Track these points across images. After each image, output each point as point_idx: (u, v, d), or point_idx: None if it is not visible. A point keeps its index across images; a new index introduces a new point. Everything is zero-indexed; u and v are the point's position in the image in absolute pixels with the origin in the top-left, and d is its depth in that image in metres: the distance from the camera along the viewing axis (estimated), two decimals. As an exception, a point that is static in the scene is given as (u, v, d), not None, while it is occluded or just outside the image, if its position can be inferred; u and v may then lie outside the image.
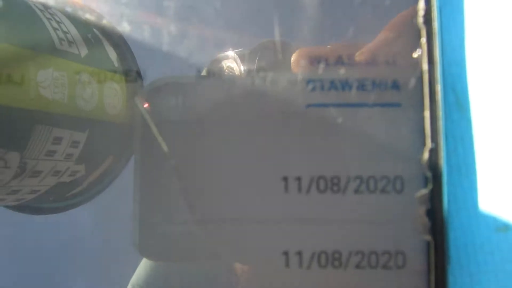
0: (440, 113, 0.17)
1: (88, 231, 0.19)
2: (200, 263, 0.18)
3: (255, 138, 0.18)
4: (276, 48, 0.18)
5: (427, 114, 0.17)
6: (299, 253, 0.18)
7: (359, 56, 0.16)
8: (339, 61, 0.17)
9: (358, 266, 0.17)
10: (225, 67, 0.18)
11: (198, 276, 0.18)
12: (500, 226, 0.17)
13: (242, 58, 0.18)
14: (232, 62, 0.18)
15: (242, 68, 0.18)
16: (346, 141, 0.18)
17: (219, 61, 0.18)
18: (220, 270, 0.18)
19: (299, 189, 0.18)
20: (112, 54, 0.19)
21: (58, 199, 0.19)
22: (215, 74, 0.18)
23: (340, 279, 0.17)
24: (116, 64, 0.19)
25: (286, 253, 0.18)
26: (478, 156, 0.18)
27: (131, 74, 0.19)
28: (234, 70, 0.18)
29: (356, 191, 0.18)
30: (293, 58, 0.18)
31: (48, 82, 0.17)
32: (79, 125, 0.18)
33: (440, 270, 0.17)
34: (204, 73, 0.18)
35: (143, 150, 0.18)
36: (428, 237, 0.17)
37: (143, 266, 0.18)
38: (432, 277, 0.17)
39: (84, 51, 0.18)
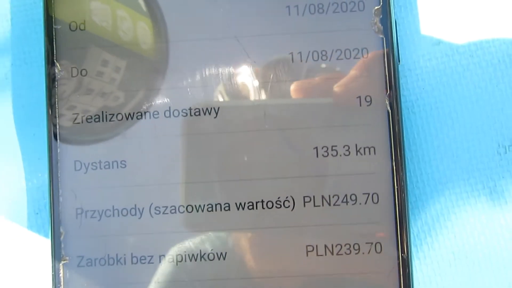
0: None
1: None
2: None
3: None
4: (289, 63, 0.21)
5: None
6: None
7: (336, 88, 0.21)
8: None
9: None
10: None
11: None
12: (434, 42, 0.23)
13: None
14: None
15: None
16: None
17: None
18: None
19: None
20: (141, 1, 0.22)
21: (100, 146, 0.21)
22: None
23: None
24: (144, 8, 0.22)
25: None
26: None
27: (156, 18, 0.22)
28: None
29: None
30: (292, 88, 0.21)
31: (97, 11, 0.22)
32: (120, 52, 0.22)
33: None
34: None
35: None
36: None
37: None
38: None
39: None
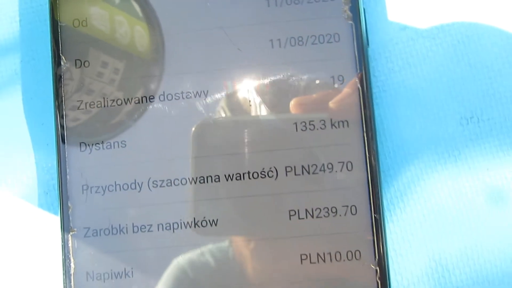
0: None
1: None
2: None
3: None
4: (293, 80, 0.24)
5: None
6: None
7: (331, 104, 0.24)
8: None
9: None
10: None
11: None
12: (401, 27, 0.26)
13: (261, 89, 0.24)
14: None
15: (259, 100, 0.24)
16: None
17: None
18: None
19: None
20: (136, 6, 0.25)
21: (102, 129, 0.24)
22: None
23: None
24: (140, 14, 0.25)
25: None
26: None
27: (152, 22, 0.25)
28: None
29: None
30: (292, 103, 0.24)
31: (96, 16, 0.25)
32: (118, 54, 0.25)
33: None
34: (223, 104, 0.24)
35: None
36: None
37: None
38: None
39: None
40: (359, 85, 0.24)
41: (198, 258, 0.23)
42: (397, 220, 0.25)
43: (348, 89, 0.24)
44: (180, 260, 0.23)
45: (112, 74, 0.24)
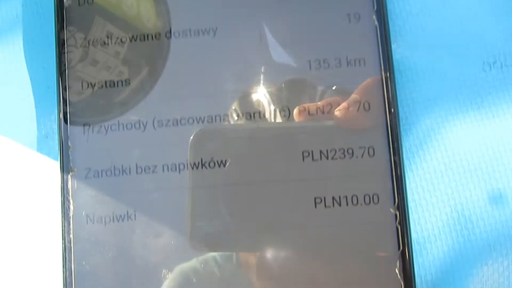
0: None
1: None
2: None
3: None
4: (301, 85, 0.22)
5: None
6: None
7: (336, 112, 0.22)
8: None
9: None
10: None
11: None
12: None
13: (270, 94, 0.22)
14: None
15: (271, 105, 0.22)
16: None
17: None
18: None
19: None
20: None
21: (105, 108, 0.22)
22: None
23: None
24: None
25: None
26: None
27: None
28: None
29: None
30: (295, 111, 0.22)
31: None
32: (124, 26, 0.23)
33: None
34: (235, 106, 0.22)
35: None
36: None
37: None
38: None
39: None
40: (376, 22, 0.22)
41: (202, 267, 0.22)
42: (416, 169, 0.23)
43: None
44: (184, 267, 0.22)
45: (117, 46, 0.23)
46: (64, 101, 0.23)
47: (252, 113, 0.22)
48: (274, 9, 0.23)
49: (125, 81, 0.23)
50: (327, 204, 0.22)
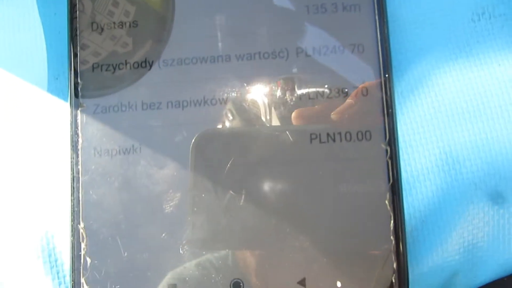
0: None
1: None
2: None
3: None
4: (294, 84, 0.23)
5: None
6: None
7: (333, 115, 0.23)
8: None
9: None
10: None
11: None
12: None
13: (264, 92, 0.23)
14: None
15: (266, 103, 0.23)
16: None
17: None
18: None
19: None
20: None
21: (109, 81, 0.23)
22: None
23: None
24: None
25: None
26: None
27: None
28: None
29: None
30: (293, 115, 0.23)
31: None
32: None
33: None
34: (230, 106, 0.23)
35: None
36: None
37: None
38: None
39: None
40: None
41: (197, 270, 0.23)
42: (407, 112, 0.25)
43: None
44: (177, 272, 0.23)
45: (122, 16, 0.24)
46: (74, 45, 0.24)
47: (247, 113, 0.23)
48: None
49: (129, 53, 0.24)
50: (322, 140, 0.23)
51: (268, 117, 0.23)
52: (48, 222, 0.25)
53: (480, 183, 0.24)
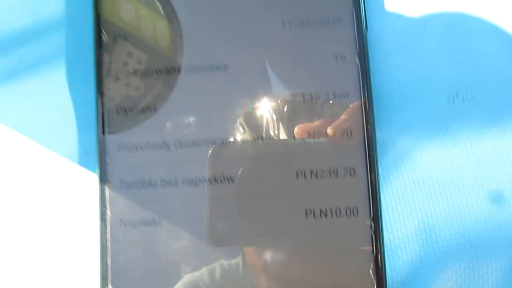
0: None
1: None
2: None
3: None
4: (301, 101, 0.27)
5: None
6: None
7: (329, 131, 0.27)
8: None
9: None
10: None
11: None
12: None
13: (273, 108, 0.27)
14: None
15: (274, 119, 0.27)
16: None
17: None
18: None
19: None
20: (159, 5, 0.28)
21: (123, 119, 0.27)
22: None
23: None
24: (162, 12, 0.28)
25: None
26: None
27: (173, 20, 0.28)
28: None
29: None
30: (296, 130, 0.27)
31: (124, 8, 0.28)
32: (142, 46, 0.28)
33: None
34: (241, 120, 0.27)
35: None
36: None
37: None
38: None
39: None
40: (358, 62, 0.27)
41: (210, 273, 0.27)
42: (391, 186, 0.28)
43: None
44: (193, 275, 0.27)
45: (135, 64, 0.28)
46: (102, 117, 0.28)
47: (257, 128, 0.27)
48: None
49: (141, 96, 0.28)
50: (315, 216, 0.27)
51: (275, 132, 0.27)
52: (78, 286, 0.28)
53: (453, 251, 0.28)
